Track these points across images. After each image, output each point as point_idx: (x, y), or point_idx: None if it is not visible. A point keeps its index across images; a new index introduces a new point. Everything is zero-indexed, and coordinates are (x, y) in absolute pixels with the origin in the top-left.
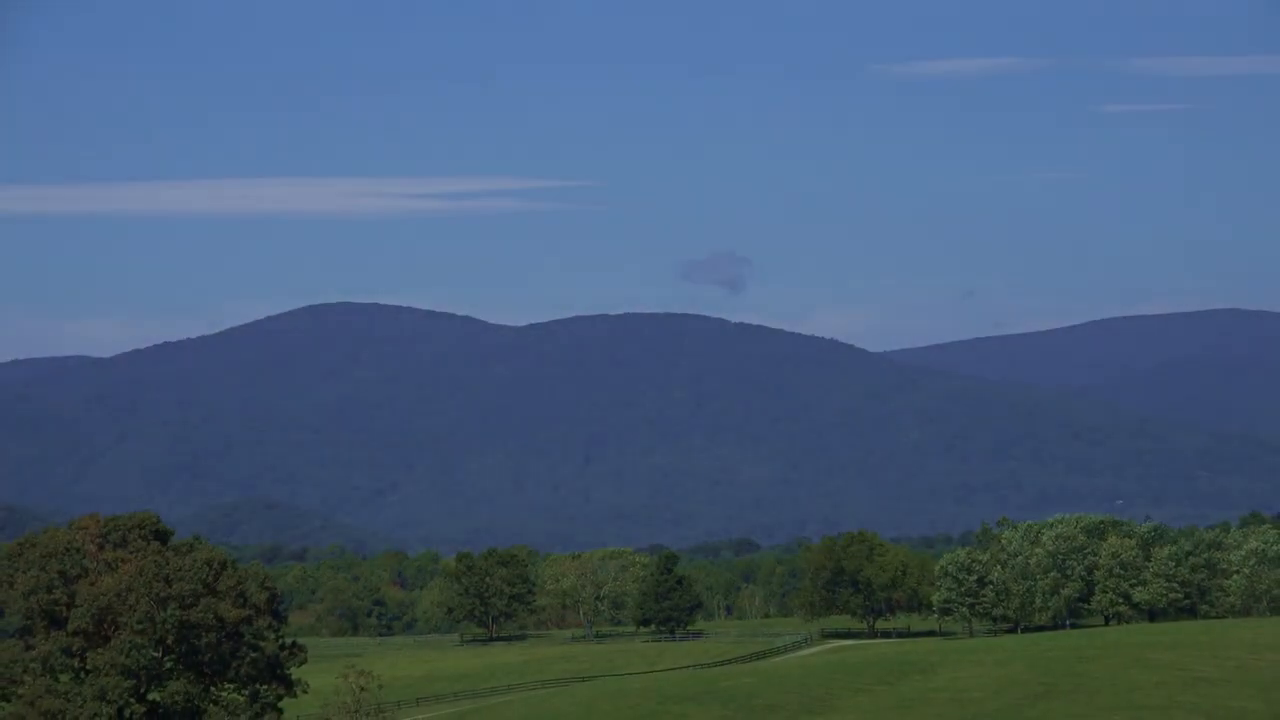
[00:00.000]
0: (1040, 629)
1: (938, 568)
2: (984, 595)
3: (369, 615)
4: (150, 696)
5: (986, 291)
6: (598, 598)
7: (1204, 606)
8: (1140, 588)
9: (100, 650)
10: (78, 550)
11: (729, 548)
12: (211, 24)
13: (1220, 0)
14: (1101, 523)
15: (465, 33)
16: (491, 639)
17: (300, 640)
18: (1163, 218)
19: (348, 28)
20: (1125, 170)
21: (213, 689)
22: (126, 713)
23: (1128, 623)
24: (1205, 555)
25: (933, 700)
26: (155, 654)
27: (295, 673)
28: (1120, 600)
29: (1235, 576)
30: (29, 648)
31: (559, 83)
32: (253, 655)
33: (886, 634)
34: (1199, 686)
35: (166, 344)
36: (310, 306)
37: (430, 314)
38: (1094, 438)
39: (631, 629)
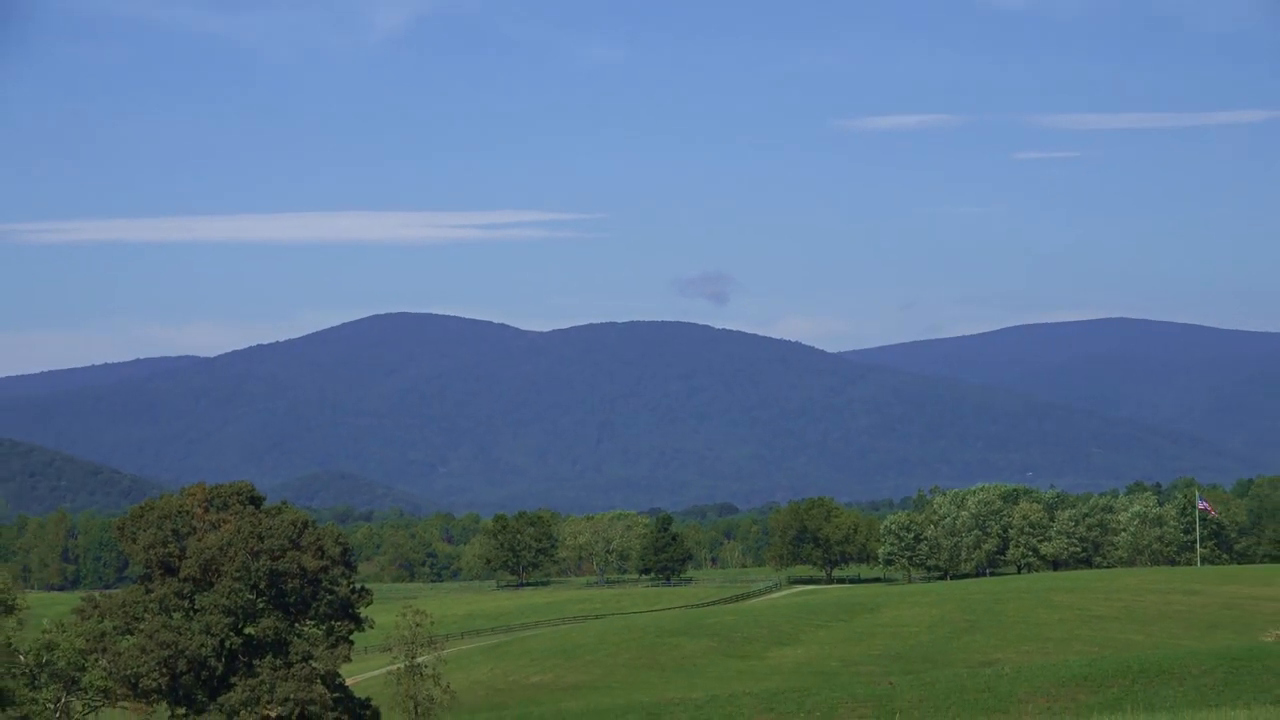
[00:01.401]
0: (965, 576)
1: (882, 527)
2: (920, 549)
3: (422, 565)
4: (246, 631)
5: (923, 303)
6: (607, 551)
7: (1097, 558)
8: (1046, 543)
9: (205, 593)
10: (187, 512)
11: (714, 510)
12: (296, 83)
13: (1103, 71)
14: (1014, 490)
15: (500, 98)
16: (521, 584)
17: (367, 585)
18: (1063, 242)
19: (409, 92)
20: (1032, 204)
21: (296, 624)
22: (227, 643)
23: (1036, 571)
24: (1098, 517)
25: (878, 633)
26: (250, 596)
27: (363, 611)
28: (1030, 553)
29: (1122, 534)
30: (148, 591)
31: (574, 136)
32: (329, 597)
33: (841, 580)
34: (1093, 623)
35: (259, 346)
36: (375, 315)
37: (472, 321)
38: (1009, 422)
39: (635, 576)
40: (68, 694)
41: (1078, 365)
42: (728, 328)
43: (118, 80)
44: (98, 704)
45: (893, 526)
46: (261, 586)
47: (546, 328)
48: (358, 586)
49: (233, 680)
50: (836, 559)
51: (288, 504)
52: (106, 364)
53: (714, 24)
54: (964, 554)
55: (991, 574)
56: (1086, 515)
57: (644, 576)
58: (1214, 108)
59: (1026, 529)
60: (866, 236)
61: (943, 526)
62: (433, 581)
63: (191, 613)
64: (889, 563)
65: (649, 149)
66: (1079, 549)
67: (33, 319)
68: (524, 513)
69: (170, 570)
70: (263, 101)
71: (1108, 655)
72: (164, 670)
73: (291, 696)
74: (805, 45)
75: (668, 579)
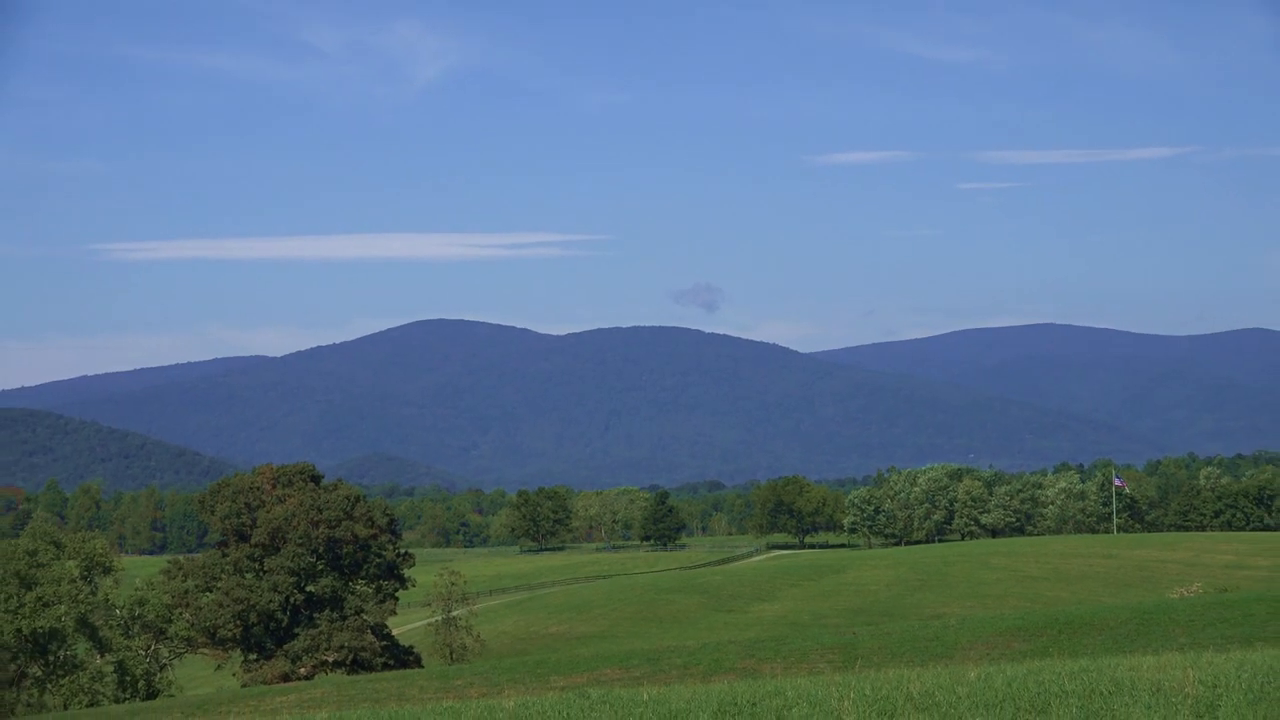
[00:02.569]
0: (917, 543)
1: (847, 501)
2: (878, 519)
3: (456, 533)
4: (307, 589)
5: (882, 311)
6: (613, 521)
7: (1029, 527)
8: (985, 514)
9: (273, 557)
10: (258, 489)
11: (704, 487)
12: (350, 126)
13: (1033, 115)
14: (958, 470)
15: (520, 137)
16: (541, 549)
17: (410, 550)
18: (999, 259)
19: (444, 133)
20: (973, 227)
21: (350, 583)
22: (291, 599)
23: (977, 539)
24: (1030, 492)
25: (843, 591)
26: (311, 559)
27: (406, 572)
28: (972, 523)
29: (1050, 507)
30: (225, 555)
31: (584, 169)
32: (377, 560)
33: (812, 546)
34: (1026, 582)
35: (319, 347)
36: (416, 321)
37: (499, 326)
38: (953, 412)
39: (637, 543)
40: (156, 642)
41: (1012, 364)
42: (716, 332)
43: (201, 122)
44: (181, 651)
45: (855, 500)
46: (320, 551)
47: (561, 332)
48: (402, 551)
49: (296, 631)
50: (808, 528)
51: (342, 481)
52: (189, 362)
53: (702, 74)
54: (916, 524)
55: (939, 541)
56: (1020, 491)
57: (644, 543)
58: (1125, 146)
59: (969, 502)
60: (833, 254)
61: (898, 500)
62: (465, 547)
63: (261, 573)
64: (852, 531)
65: (648, 180)
66: (1014, 519)
67: (128, 324)
68: (543, 489)
69: (243, 537)
70: (323, 140)
71: (1038, 610)
72: (238, 622)
73: (346, 644)
74: (781, 93)
75: (665, 545)
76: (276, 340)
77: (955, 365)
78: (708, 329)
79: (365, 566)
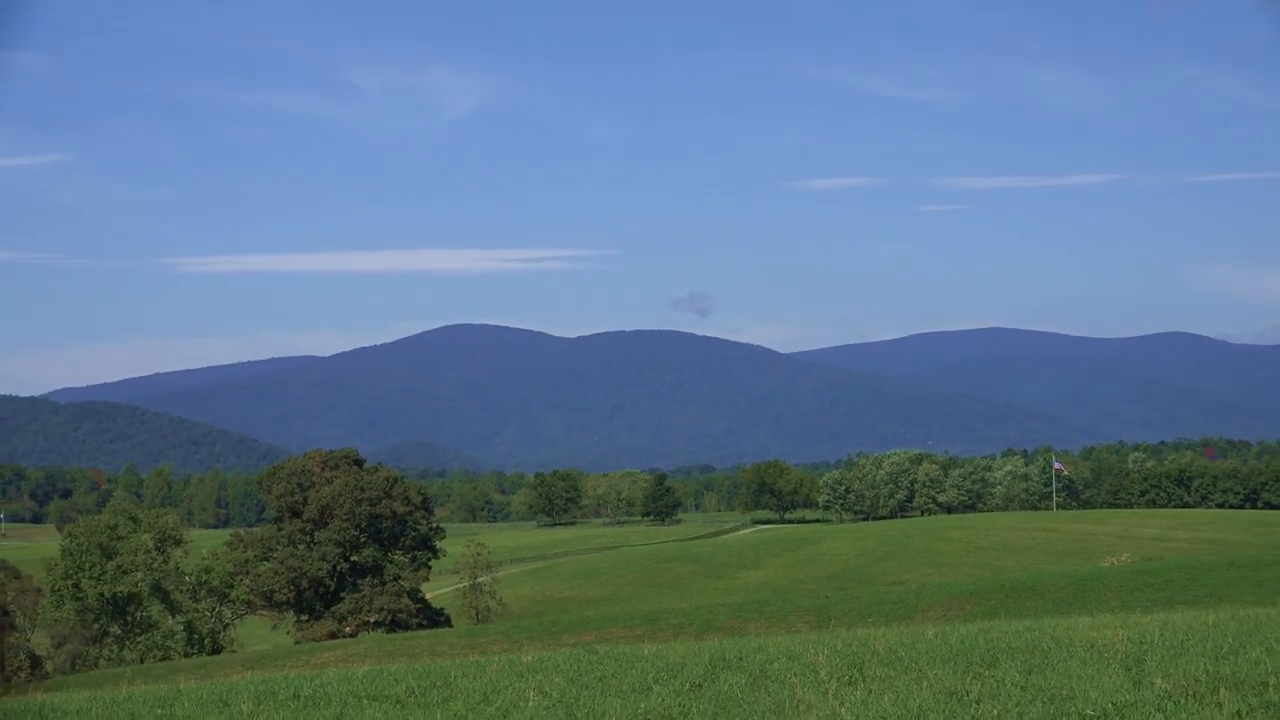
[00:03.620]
0: (882, 518)
1: (821, 481)
2: (849, 498)
3: (481, 510)
4: (352, 558)
5: (853, 316)
6: (618, 500)
7: (980, 505)
8: (942, 493)
9: (322, 530)
10: (309, 471)
11: (696, 469)
12: (390, 155)
13: (984, 145)
14: (919, 455)
15: (535, 165)
16: (555, 524)
17: (441, 525)
18: (955, 271)
19: (471, 161)
20: (933, 243)
21: (388, 554)
22: (338, 568)
23: (934, 515)
24: (980, 475)
25: (818, 559)
26: (354, 533)
27: (438, 544)
28: (930, 501)
29: (998, 487)
30: (280, 529)
31: (592, 192)
32: (413, 533)
33: (791, 521)
34: (977, 553)
35: (361, 348)
36: (446, 325)
37: (518, 330)
38: (915, 404)
39: (638, 518)
40: (220, 605)
41: (966, 363)
42: (708, 335)
43: (260, 152)
44: (242, 613)
45: (829, 481)
46: (363, 525)
47: (573, 334)
48: (434, 525)
49: (342, 595)
50: (787, 505)
51: (382, 465)
52: (249, 361)
53: (696, 110)
54: (881, 502)
55: (902, 517)
56: (971, 473)
57: (645, 518)
58: (1063, 173)
59: (927, 483)
60: (811, 267)
61: (866, 481)
62: (489, 522)
63: (312, 545)
64: (826, 508)
65: (648, 201)
66: (966, 498)
67: (196, 329)
68: (556, 471)
69: (296, 513)
70: (365, 168)
71: (987, 577)
72: (291, 587)
73: (385, 607)
74: (766, 127)
75: (662, 520)
76: (324, 342)
77: (916, 364)
78: (701, 332)
79: (402, 539)
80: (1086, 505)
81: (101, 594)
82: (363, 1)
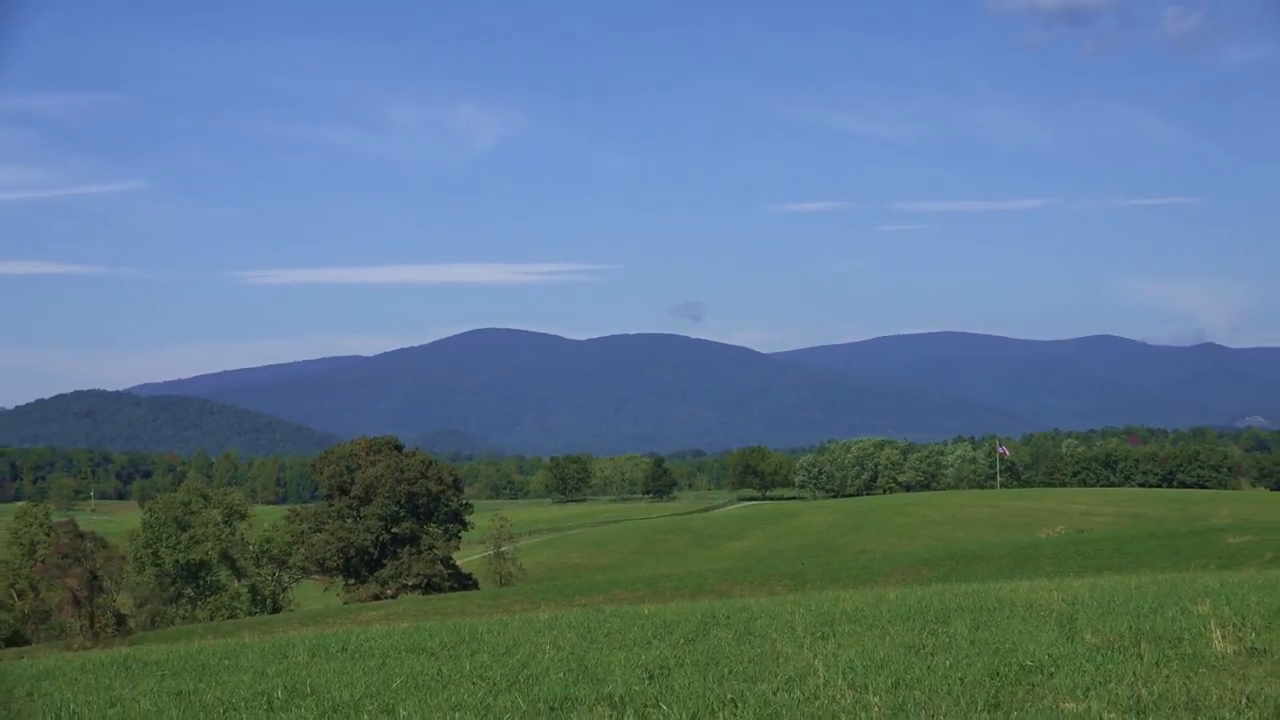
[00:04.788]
0: (850, 496)
1: (798, 464)
2: (821, 478)
3: (504, 489)
4: (393, 530)
5: (825, 321)
6: (622, 480)
7: (934, 484)
8: (902, 474)
9: (367, 506)
10: (355, 455)
11: (690, 454)
12: (425, 181)
13: (936, 172)
14: (882, 441)
15: (552, 190)
16: (567, 501)
17: (469, 501)
18: (913, 281)
19: (496, 187)
20: (893, 258)
21: (424, 526)
22: (380, 538)
23: (895, 493)
24: (935, 458)
25: (795, 531)
26: (395, 508)
27: (467, 518)
28: (891, 481)
29: (950, 469)
30: (330, 505)
31: (601, 214)
32: (445, 509)
33: (771, 498)
34: (931, 525)
35: (401, 349)
36: (475, 329)
37: (535, 333)
38: (879, 398)
39: (640, 496)
40: (279, 570)
41: (923, 362)
42: (700, 337)
43: (312, 178)
44: (298, 577)
45: (804, 464)
46: (402, 502)
47: (583, 337)
48: (463, 502)
49: (384, 562)
50: (768, 485)
51: (418, 450)
52: (303, 360)
53: (690, 142)
54: (849, 481)
55: (867, 494)
56: (927, 457)
57: (645, 496)
58: (1005, 198)
59: (889, 466)
60: (789, 279)
61: (836, 464)
62: (510, 499)
63: (358, 519)
64: (802, 487)
65: (648, 221)
66: (922, 478)
67: (258, 331)
68: (569, 455)
69: (344, 492)
70: (403, 193)
71: (940, 546)
72: (340, 555)
73: (421, 572)
74: (749, 156)
75: (660, 497)
76: (368, 343)
77: (880, 363)
78: (694, 335)
79: (436, 513)
80: (1026, 485)
81: (177, 561)
82: (400, 48)
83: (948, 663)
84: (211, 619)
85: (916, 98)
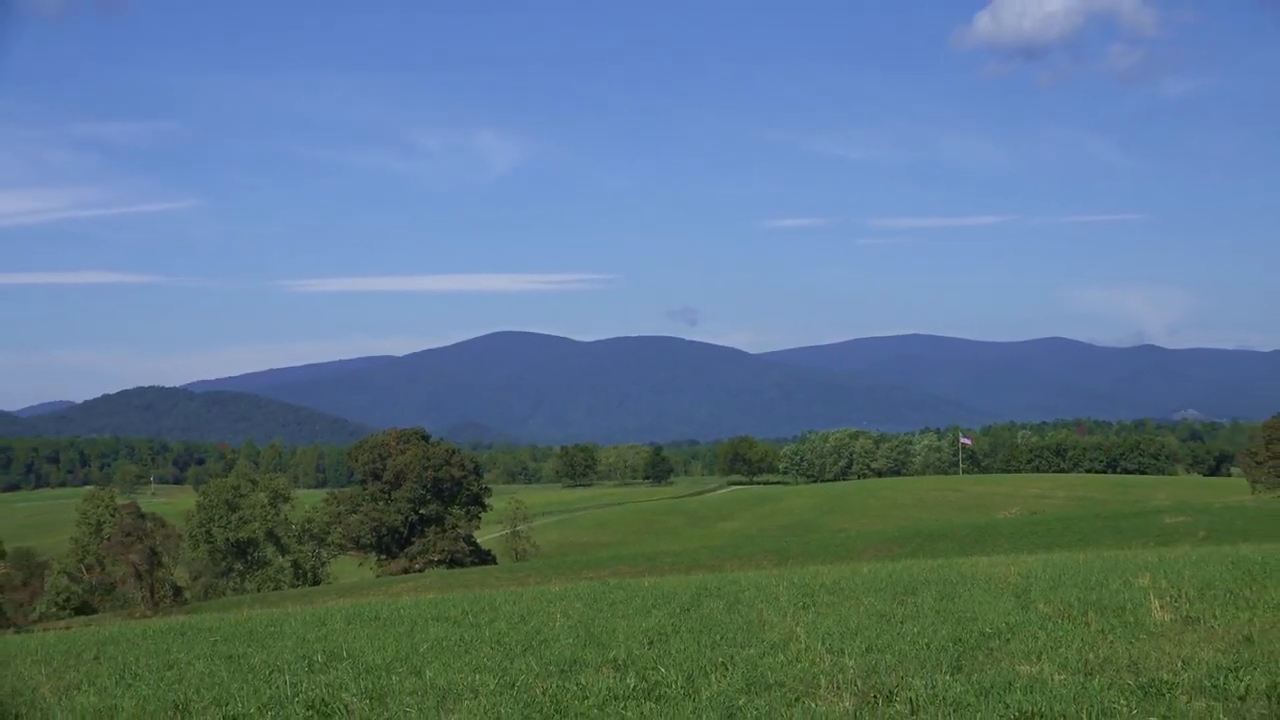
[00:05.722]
0: (828, 481)
1: (781, 453)
2: (803, 465)
3: (519, 474)
4: (420, 511)
5: (807, 324)
6: (625, 466)
7: (903, 471)
8: (874, 462)
9: (397, 490)
10: (386, 444)
11: (685, 444)
12: (448, 201)
13: (905, 191)
14: (857, 433)
15: (564, 208)
16: (576, 485)
17: (488, 486)
18: (885, 289)
19: (513, 207)
20: (866, 269)
21: (448, 508)
22: (409, 519)
23: (868, 479)
24: (904, 447)
25: (778, 512)
26: (422, 492)
27: (486, 501)
28: (865, 468)
29: (917, 457)
30: (365, 489)
31: (606, 230)
32: (466, 492)
33: (758, 483)
34: (901, 508)
35: (428, 349)
36: (494, 332)
37: (547, 336)
38: (855, 393)
39: (640, 481)
40: (319, 547)
41: (894, 361)
42: (695, 339)
43: (348, 198)
44: (335, 553)
45: (787, 453)
46: (428, 486)
47: (590, 339)
48: (483, 486)
49: (412, 540)
50: (756, 471)
51: (443, 440)
52: (341, 360)
53: (685, 164)
54: (828, 468)
55: (843, 480)
56: (897, 447)
57: (645, 481)
58: (966, 215)
59: (863, 454)
60: (775, 286)
61: (815, 452)
62: (525, 484)
63: (389, 501)
64: (785, 473)
65: (648, 235)
66: (893, 465)
67: (301, 333)
68: (577, 445)
69: (377, 477)
70: (430, 211)
71: (908, 526)
72: (373, 534)
73: (446, 549)
74: (739, 177)
75: (659, 482)
76: (400, 345)
77: (855, 362)
78: (689, 338)
79: (458, 496)
80: (985, 471)
81: (228, 539)
82: (427, 81)
83: (915, 630)
84: (258, 591)
85: (888, 125)
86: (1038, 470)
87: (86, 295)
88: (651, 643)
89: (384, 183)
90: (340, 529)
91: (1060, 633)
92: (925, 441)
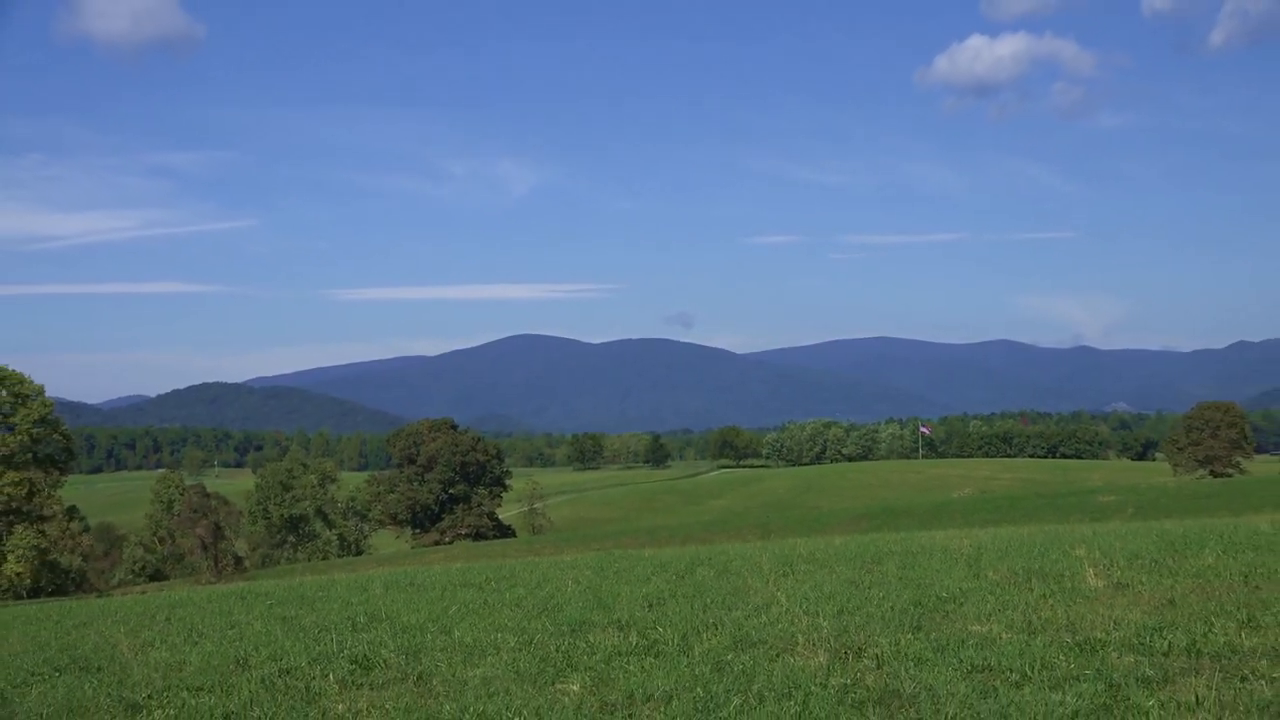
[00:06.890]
0: (805, 465)
1: (765, 440)
2: (783, 451)
3: (536, 459)
4: (449, 491)
5: (788, 328)
6: (628, 452)
7: (871, 456)
8: (845, 448)
9: (429, 473)
10: (420, 433)
11: (680, 433)
12: (471, 221)
13: (870, 212)
14: (830, 423)
15: (576, 225)
16: (585, 468)
17: (509, 469)
18: (856, 299)
19: (531, 227)
20: (840, 280)
21: (474, 488)
22: (440, 497)
23: (840, 463)
24: (871, 435)
25: (762, 493)
26: (451, 474)
27: (507, 482)
28: (837, 454)
29: (883, 444)
30: (401, 471)
31: (611, 246)
32: (489, 474)
33: (745, 467)
34: (869, 488)
35: (455, 351)
36: (513, 335)
37: (560, 338)
38: (829, 389)
39: (642, 465)
40: (361, 522)
41: (863, 360)
42: (690, 341)
43: (384, 218)
44: (376, 528)
45: (770, 440)
46: (457, 469)
47: (597, 341)
48: (504, 470)
49: (443, 516)
50: (742, 456)
51: (470, 429)
52: (380, 359)
53: (680, 188)
54: (804, 454)
55: (818, 464)
56: (865, 435)
57: (645, 465)
58: (925, 232)
59: (835, 441)
60: (759, 296)
61: (794, 440)
62: (541, 467)
63: (422, 483)
64: (768, 458)
65: (649, 250)
66: (861, 452)
67: (345, 335)
68: (587, 433)
69: (412, 461)
70: (458, 229)
71: (875, 504)
72: (409, 511)
73: (472, 524)
74: (728, 199)
75: (658, 466)
76: (432, 346)
77: (829, 361)
78: (683, 340)
79: (483, 478)
80: (942, 456)
81: (282, 515)
82: (454, 115)
83: (881, 594)
84: (309, 560)
85: (859, 153)
86: (988, 455)
87: (159, 303)
88: (650, 606)
89: (417, 204)
90: (380, 506)
91: (1007, 597)
92: (889, 430)
